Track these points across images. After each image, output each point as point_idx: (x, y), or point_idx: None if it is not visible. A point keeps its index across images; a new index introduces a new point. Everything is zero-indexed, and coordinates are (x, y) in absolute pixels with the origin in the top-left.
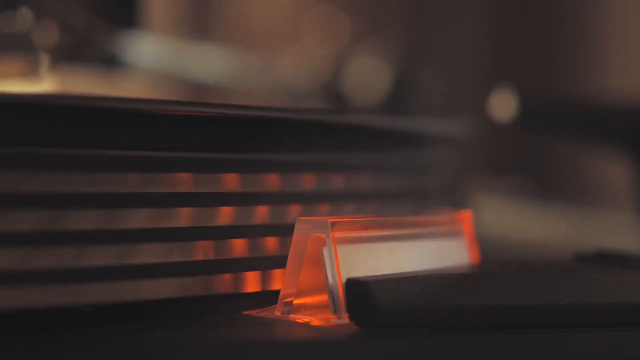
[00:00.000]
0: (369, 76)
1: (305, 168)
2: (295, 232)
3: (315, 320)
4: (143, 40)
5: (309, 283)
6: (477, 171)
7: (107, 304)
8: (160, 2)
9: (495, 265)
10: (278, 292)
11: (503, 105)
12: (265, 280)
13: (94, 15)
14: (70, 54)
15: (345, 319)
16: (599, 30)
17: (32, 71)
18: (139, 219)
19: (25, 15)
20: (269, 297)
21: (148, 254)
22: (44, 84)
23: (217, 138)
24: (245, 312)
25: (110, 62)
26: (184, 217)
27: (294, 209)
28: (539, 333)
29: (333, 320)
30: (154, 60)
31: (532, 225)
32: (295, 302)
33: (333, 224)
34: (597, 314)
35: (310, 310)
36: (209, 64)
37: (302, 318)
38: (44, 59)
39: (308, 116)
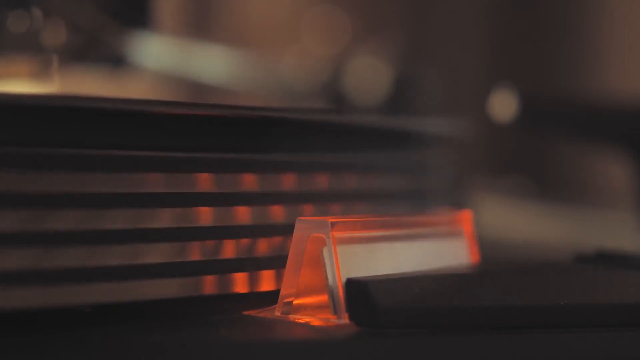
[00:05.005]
0: (369, 76)
1: (305, 168)
2: (295, 232)
3: (315, 321)
4: (150, 41)
5: (309, 283)
6: (477, 171)
7: (107, 304)
8: (167, 2)
9: (495, 265)
10: (278, 292)
11: (503, 105)
12: (265, 280)
13: (101, 15)
14: (78, 53)
15: (345, 319)
16: (599, 30)
17: (42, 71)
18: (139, 219)
19: (35, 15)
20: (269, 297)
21: (148, 254)
22: (52, 84)
23: (220, 138)
24: (245, 312)
25: (118, 62)
26: (184, 217)
27: (294, 209)
28: (539, 333)
29: (333, 320)
30: (161, 60)
31: (532, 225)
32: (295, 302)
33: (333, 224)
34: (597, 314)
35: (310, 310)
36: (212, 65)
37: (302, 318)
38: (54, 59)
39: (308, 116)
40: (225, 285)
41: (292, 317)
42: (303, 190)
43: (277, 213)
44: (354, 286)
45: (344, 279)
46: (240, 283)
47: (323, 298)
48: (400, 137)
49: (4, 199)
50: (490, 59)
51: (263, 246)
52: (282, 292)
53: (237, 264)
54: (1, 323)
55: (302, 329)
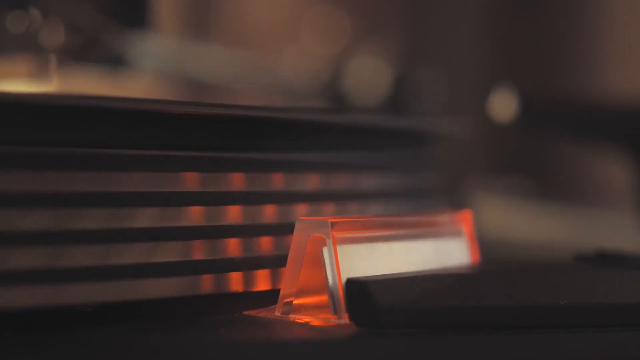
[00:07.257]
0: (369, 76)
1: (305, 168)
2: (295, 232)
3: (315, 320)
4: (150, 41)
5: (309, 283)
6: (477, 171)
7: (107, 304)
8: (167, 2)
9: (495, 265)
10: (278, 292)
11: (503, 105)
12: (265, 280)
13: (100, 15)
14: (76, 53)
15: (345, 319)
16: (600, 30)
17: (40, 71)
18: (139, 218)
19: (33, 16)
20: (269, 297)
21: (148, 253)
22: (51, 84)
23: (220, 138)
24: (245, 312)
25: (117, 63)
26: (184, 216)
27: (294, 209)
28: (539, 333)
29: (333, 320)
30: (161, 60)
31: (532, 225)
32: (295, 302)
33: (333, 224)
34: (597, 314)
35: (310, 310)
36: (212, 64)
37: (302, 318)
38: (52, 59)
39: (309, 116)
40: (225, 285)
41: (292, 317)
42: (301, 189)
43: (277, 212)
44: (354, 286)
45: (344, 279)
46: (240, 283)
47: (323, 298)
48: (400, 137)
49: (3, 199)
50: (490, 59)
51: (263, 245)
52: (282, 292)
53: (237, 264)
54: (1, 323)
55: (302, 329)
